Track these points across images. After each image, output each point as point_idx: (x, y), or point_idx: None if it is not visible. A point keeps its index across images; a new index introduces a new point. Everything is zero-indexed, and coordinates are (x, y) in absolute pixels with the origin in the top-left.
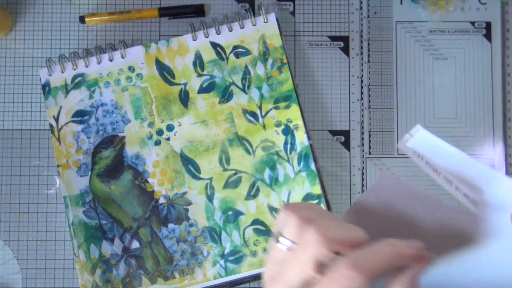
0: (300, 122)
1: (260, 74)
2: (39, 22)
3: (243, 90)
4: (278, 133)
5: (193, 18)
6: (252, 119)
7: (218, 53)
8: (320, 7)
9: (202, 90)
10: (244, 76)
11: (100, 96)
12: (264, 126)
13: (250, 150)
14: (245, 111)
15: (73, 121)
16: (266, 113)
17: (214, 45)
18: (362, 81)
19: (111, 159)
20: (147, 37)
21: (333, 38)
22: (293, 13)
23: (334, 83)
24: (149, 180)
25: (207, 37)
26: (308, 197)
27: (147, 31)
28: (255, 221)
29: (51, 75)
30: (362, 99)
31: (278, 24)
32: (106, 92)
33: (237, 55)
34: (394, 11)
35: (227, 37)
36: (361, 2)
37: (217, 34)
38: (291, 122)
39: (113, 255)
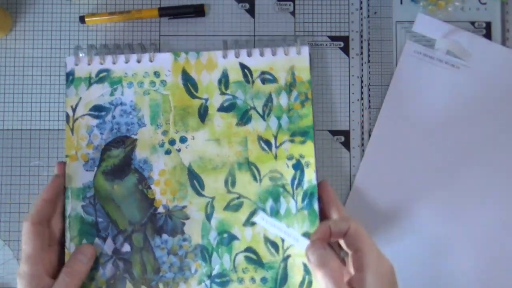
0: (312, 160)
1: (282, 104)
2: (39, 22)
3: (262, 117)
4: (288, 166)
5: (193, 18)
6: (265, 147)
7: (245, 75)
8: (320, 7)
9: (222, 108)
10: (266, 103)
11: (121, 95)
12: (275, 156)
13: (258, 177)
14: (260, 138)
15: (89, 115)
16: (281, 144)
17: (243, 66)
18: (362, 81)
19: (119, 159)
20: (147, 37)
21: (333, 38)
22: (293, 13)
23: (334, 83)
24: (152, 187)
25: (237, 57)
26: (305, 236)
27: (147, 31)
28: (248, 249)
29: (77, 64)
30: (362, 99)
31: (310, 59)
32: (128, 92)
33: (263, 81)
34: (394, 11)
35: (257, 61)
36: (361, 2)
37: (248, 56)
38: (303, 158)
39: (103, 254)
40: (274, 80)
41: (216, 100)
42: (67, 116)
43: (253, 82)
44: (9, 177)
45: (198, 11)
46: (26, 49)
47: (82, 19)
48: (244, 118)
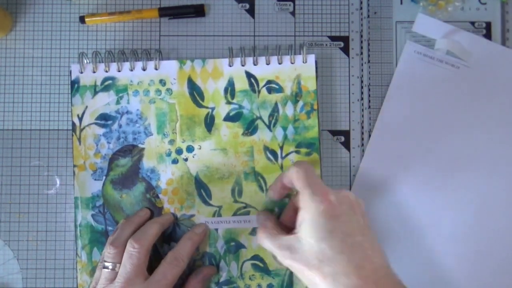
0: (317, 172)
1: (288, 114)
2: (39, 22)
3: (268, 127)
4: None
5: (193, 18)
6: (271, 157)
7: (251, 84)
8: (320, 7)
9: (228, 118)
10: (272, 113)
11: (127, 104)
12: (281, 167)
13: (264, 187)
14: (266, 148)
15: (96, 124)
16: (287, 155)
17: (249, 75)
18: (362, 81)
19: (127, 168)
20: (147, 37)
21: (333, 38)
22: (293, 13)
23: (334, 83)
24: (160, 196)
25: (243, 66)
26: None
27: (147, 31)
28: (255, 257)
29: (82, 72)
30: (362, 99)
31: (316, 68)
32: (134, 100)
33: (270, 90)
34: (394, 11)
35: (263, 70)
36: (361, 2)
37: (254, 64)
38: None
39: None
40: (280, 89)
41: (222, 109)
42: (74, 125)
43: (259, 91)
44: (9, 177)
45: (198, 11)
46: (26, 49)
47: (82, 19)
48: (250, 128)
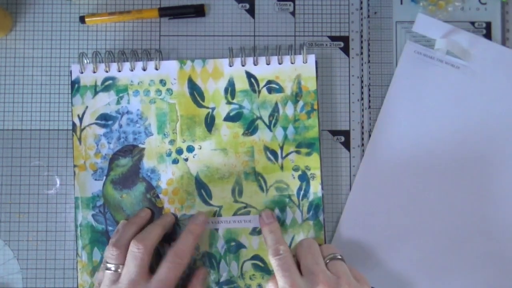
0: (317, 172)
1: (288, 114)
2: (39, 22)
3: (269, 127)
4: (294, 177)
5: (193, 18)
6: (271, 157)
7: (251, 84)
8: (320, 7)
9: (228, 118)
10: (272, 113)
11: (127, 104)
12: (282, 167)
13: (264, 187)
14: (266, 148)
15: (96, 124)
16: (287, 155)
17: (249, 75)
18: (362, 81)
19: (127, 168)
20: (147, 37)
21: (333, 38)
22: (293, 13)
23: (334, 83)
24: (161, 196)
25: (243, 66)
26: None
27: (147, 31)
28: (255, 257)
29: (82, 72)
30: (362, 99)
31: (316, 68)
32: (134, 100)
33: (270, 91)
34: (394, 11)
35: (264, 70)
36: (361, 2)
37: (254, 64)
38: (309, 170)
39: None
40: (280, 89)
41: (223, 109)
42: (74, 125)
43: (259, 91)
44: (9, 177)
45: (198, 11)
46: (26, 49)
47: (82, 19)
48: (250, 128)
